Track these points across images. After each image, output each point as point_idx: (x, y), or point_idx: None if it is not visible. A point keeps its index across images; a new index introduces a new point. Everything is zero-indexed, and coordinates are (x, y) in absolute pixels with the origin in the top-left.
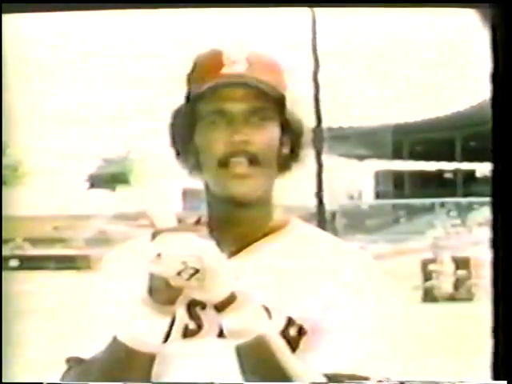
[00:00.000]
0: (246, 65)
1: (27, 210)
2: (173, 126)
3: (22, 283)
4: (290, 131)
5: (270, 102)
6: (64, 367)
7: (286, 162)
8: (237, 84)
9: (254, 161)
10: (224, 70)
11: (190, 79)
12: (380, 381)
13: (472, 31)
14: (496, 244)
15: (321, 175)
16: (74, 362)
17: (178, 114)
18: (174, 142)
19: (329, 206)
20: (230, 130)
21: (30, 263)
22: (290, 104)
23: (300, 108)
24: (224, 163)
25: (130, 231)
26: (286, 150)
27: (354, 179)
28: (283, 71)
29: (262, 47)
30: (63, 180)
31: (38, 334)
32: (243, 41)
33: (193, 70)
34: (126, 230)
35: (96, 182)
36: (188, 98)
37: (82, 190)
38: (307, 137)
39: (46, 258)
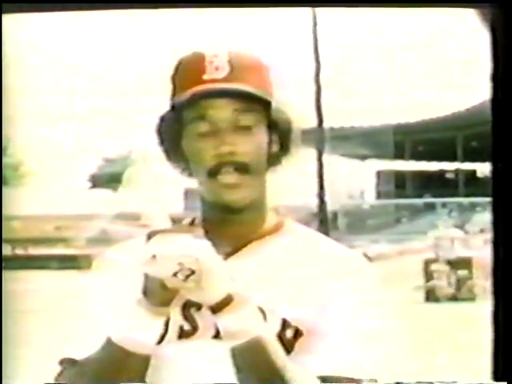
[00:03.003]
0: (227, 69)
1: (28, 210)
2: (160, 131)
3: (23, 283)
4: (278, 130)
5: (255, 105)
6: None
7: (275, 159)
8: (219, 93)
9: (243, 170)
10: (206, 76)
11: (174, 81)
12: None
13: (472, 31)
14: (496, 244)
15: (322, 175)
16: (68, 364)
17: (164, 120)
18: (163, 145)
19: (330, 205)
20: (217, 140)
21: (31, 263)
22: (276, 103)
23: (286, 105)
24: (213, 174)
25: (131, 231)
26: (275, 149)
27: (355, 179)
28: (268, 70)
29: (263, 48)
30: (64, 180)
31: (39, 334)
32: (226, 42)
33: (176, 73)
34: (128, 230)
35: (97, 181)
36: (173, 106)
37: (83, 190)
38: (296, 133)
39: (47, 258)
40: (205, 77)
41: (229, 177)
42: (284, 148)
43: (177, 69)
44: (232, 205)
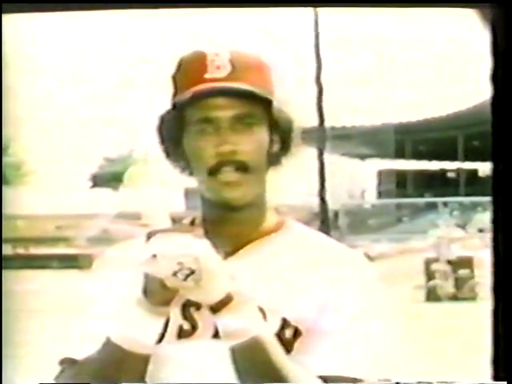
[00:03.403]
0: (229, 68)
1: (30, 210)
2: (161, 129)
3: (24, 282)
4: (279, 129)
5: (256, 105)
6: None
7: (276, 159)
8: (220, 92)
9: (243, 169)
10: (207, 75)
11: (175, 80)
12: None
13: (472, 31)
14: (497, 243)
15: (323, 174)
16: (68, 364)
17: (165, 119)
18: (163, 144)
19: (331, 205)
20: (218, 139)
21: (32, 262)
22: (277, 102)
23: (289, 105)
24: (213, 173)
25: (132, 230)
26: (275, 148)
27: (356, 178)
28: (269, 69)
29: (265, 48)
30: (66, 179)
31: (39, 334)
32: (227, 41)
33: (177, 72)
34: (129, 229)
35: (98, 181)
36: (174, 105)
37: (84, 190)
38: (297, 132)
39: (48, 257)
40: (206, 76)
41: (229, 175)
42: (285, 147)
43: (178, 68)
44: (232, 202)
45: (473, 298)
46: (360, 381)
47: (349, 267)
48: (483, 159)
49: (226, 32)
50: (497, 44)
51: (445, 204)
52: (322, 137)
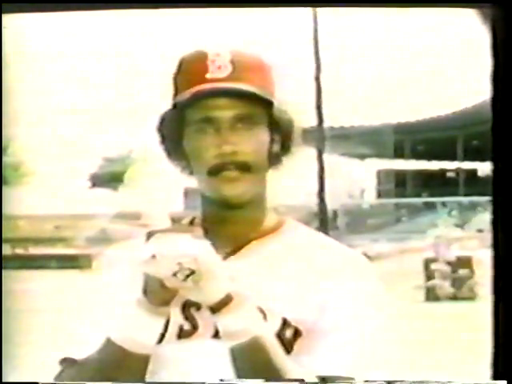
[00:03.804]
0: (230, 69)
1: (29, 210)
2: (161, 130)
3: (23, 282)
4: (280, 129)
5: (257, 105)
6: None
7: (276, 158)
8: (221, 92)
9: (244, 168)
10: (208, 76)
11: (176, 80)
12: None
13: (472, 31)
14: (496, 243)
15: (322, 174)
16: (68, 363)
17: (165, 119)
18: (164, 144)
19: (330, 205)
20: (218, 139)
21: (31, 262)
22: (277, 103)
23: (288, 105)
24: (214, 173)
25: (131, 230)
26: (276, 148)
27: (355, 178)
28: (270, 69)
29: (263, 48)
30: (65, 179)
31: (39, 334)
32: (227, 41)
33: (178, 71)
34: (128, 230)
35: (98, 181)
36: (175, 105)
37: (83, 190)
38: (297, 132)
39: (48, 257)
40: (207, 76)
41: (230, 174)
42: (285, 147)
43: (179, 68)
44: (232, 200)
45: (472, 297)
46: (359, 381)
47: (348, 267)
48: (483, 159)
49: (225, 32)
50: (497, 44)
51: (444, 204)
52: (321, 137)
